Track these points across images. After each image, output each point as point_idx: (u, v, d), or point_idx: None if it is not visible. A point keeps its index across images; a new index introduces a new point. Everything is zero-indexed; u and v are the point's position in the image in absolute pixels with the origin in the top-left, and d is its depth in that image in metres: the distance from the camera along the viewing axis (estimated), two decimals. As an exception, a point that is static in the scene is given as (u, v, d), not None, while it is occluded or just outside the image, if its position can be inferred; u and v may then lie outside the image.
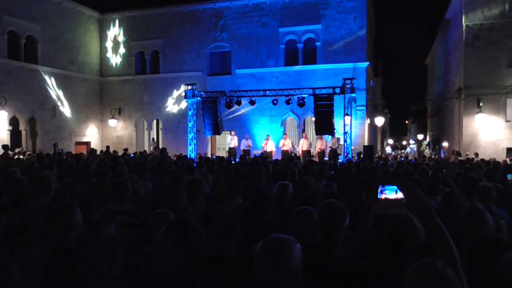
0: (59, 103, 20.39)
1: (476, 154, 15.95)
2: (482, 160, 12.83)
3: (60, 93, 20.42)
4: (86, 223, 2.23)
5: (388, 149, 47.76)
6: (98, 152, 16.96)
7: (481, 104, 17.86)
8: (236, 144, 17.39)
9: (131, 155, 15.35)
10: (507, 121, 17.94)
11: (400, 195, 1.99)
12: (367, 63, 18.85)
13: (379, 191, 2.01)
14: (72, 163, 8.64)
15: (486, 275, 1.91)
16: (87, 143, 22.20)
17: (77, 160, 10.41)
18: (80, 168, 7.52)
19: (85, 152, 17.09)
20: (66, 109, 20.82)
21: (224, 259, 2.41)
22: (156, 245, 1.95)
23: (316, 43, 19.36)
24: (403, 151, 57.71)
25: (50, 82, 19.86)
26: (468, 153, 16.90)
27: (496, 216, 3.11)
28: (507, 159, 14.46)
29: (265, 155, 15.37)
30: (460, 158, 14.80)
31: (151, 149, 19.60)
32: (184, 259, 1.87)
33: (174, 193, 4.67)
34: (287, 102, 15.11)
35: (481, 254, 2.01)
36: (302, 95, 14.98)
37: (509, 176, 6.41)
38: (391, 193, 1.97)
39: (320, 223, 2.33)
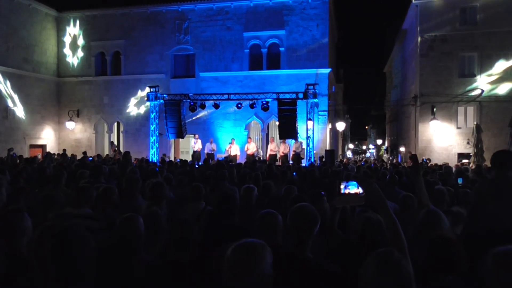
0: (11, 104, 19.33)
1: (429, 159, 16.76)
2: (436, 164, 13.51)
3: (13, 93, 19.37)
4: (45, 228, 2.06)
5: (349, 154, 49.09)
6: (55, 156, 16.21)
7: (435, 111, 18.80)
8: (200, 148, 17.24)
9: (89, 159, 14.81)
10: (458, 128, 19.00)
11: (360, 190, 2.21)
12: (329, 69, 19.33)
13: (343, 187, 2.20)
14: (26, 167, 8.20)
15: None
16: (43, 146, 21.18)
17: (30, 163, 9.90)
18: (35, 172, 7.16)
19: (40, 156, 16.27)
20: (19, 110, 19.76)
21: (183, 264, 2.36)
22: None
23: (280, 49, 19.62)
24: (363, 155, 59.62)
25: (2, 81, 18.79)
26: (424, 157, 17.71)
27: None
28: (459, 164, 15.30)
29: (229, 159, 15.37)
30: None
31: (111, 152, 19.00)
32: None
33: (129, 197, 4.57)
34: (251, 106, 15.21)
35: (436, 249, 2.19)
36: (266, 100, 15.13)
37: (459, 180, 6.78)
38: (354, 189, 2.22)
39: (292, 226, 2.35)
